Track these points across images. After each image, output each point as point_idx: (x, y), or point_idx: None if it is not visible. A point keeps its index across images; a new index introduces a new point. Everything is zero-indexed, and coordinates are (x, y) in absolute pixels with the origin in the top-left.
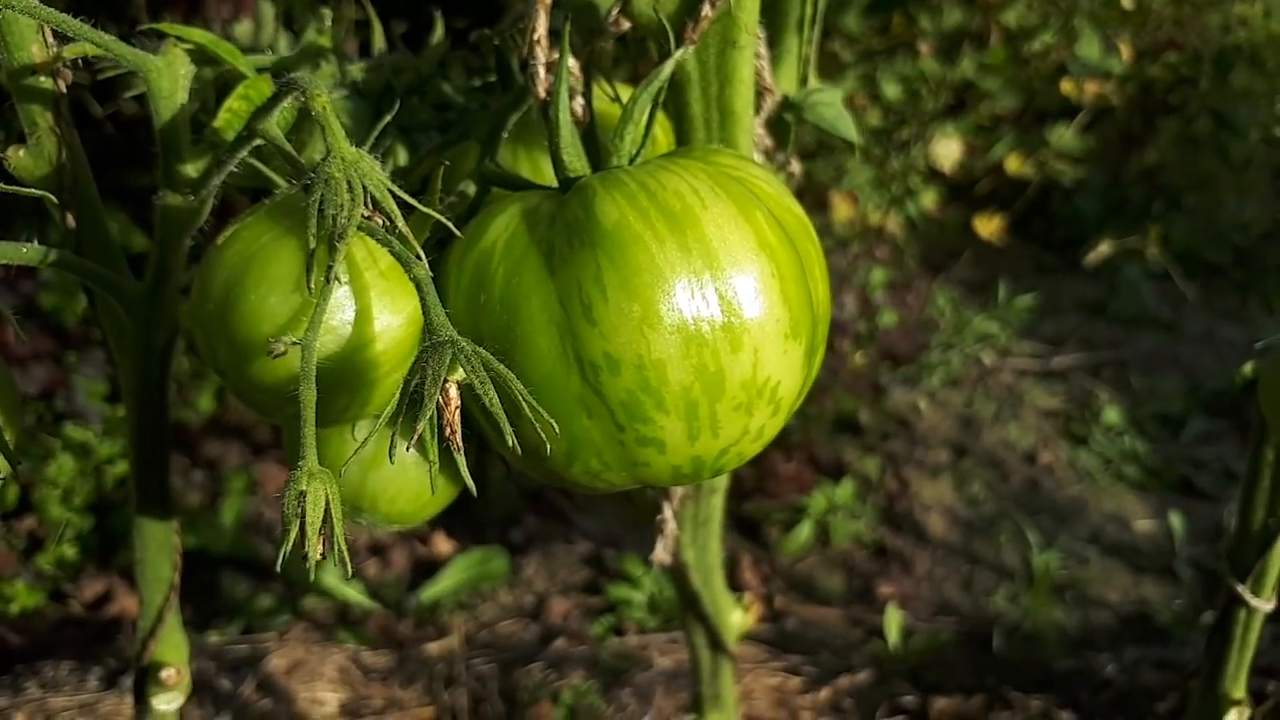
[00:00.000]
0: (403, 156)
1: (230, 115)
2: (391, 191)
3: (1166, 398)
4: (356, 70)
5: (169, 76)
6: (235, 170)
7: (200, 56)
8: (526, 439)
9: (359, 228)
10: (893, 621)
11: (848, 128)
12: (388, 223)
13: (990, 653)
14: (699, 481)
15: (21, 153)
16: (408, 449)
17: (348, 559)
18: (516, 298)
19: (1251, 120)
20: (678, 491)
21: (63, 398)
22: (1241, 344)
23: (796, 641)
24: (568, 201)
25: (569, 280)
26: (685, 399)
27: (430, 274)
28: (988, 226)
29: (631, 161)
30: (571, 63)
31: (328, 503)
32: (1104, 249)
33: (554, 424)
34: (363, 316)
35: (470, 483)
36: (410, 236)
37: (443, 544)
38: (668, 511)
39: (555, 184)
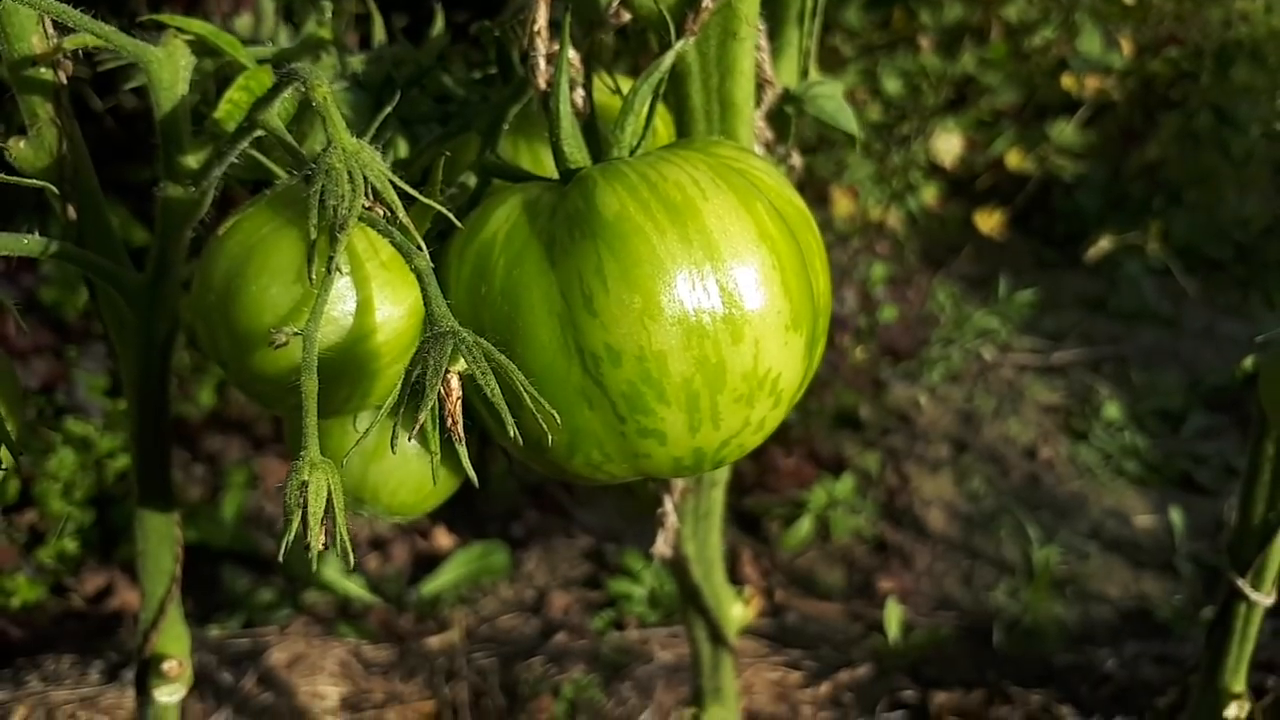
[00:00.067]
0: (403, 148)
1: (231, 106)
2: (392, 182)
3: (1167, 393)
4: (357, 62)
5: (169, 68)
6: (236, 161)
7: (201, 48)
8: (528, 430)
9: (360, 218)
10: (893, 616)
11: (848, 120)
12: (389, 214)
13: (990, 647)
14: (700, 473)
15: (22, 144)
16: (409, 440)
17: (350, 550)
18: (517, 289)
19: (1252, 115)
20: (679, 484)
21: (63, 392)
22: (1242, 339)
23: (797, 636)
24: (568, 193)
25: (570, 271)
26: (686, 390)
27: (431, 265)
28: (988, 221)
29: (632, 153)
30: (572, 54)
31: (330, 493)
32: (1104, 244)
33: (555, 415)
34: (364, 307)
35: (472, 473)
36: (411, 227)
37: (443, 538)
38: (668, 504)
39: (556, 175)
